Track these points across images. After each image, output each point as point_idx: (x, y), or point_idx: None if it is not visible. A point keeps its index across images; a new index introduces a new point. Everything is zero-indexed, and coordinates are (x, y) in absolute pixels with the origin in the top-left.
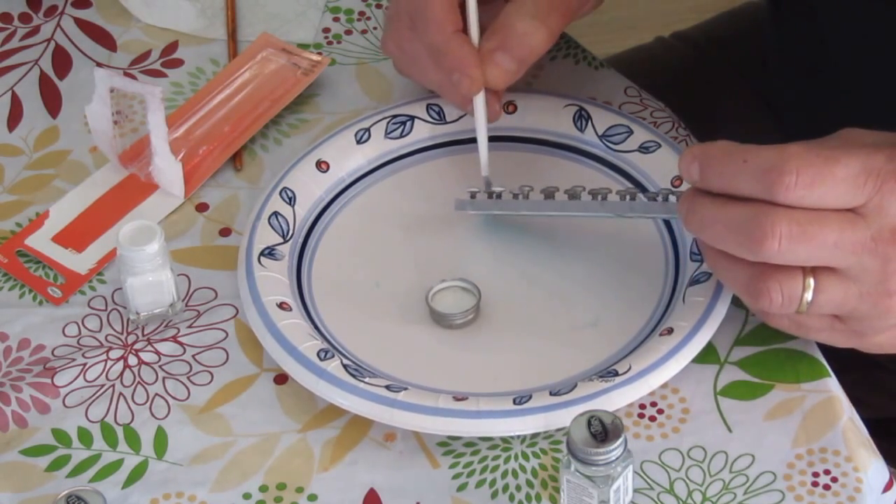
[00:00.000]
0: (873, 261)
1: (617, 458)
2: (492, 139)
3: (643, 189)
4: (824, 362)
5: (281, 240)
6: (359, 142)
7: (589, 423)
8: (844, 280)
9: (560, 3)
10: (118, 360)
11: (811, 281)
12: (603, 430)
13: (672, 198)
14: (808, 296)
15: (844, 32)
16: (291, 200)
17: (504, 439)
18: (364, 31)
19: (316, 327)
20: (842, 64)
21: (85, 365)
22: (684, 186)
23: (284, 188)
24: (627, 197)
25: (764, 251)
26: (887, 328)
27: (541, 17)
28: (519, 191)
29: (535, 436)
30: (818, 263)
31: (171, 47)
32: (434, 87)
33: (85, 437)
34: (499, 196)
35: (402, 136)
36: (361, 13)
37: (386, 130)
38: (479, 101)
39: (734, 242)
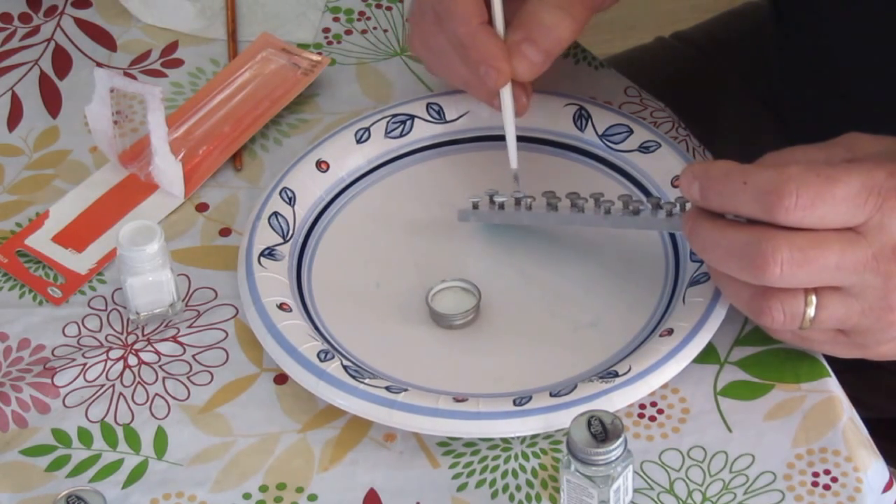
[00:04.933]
0: (875, 278)
1: (617, 458)
2: (492, 138)
3: (644, 190)
4: (824, 362)
5: (281, 240)
6: (359, 141)
7: (589, 424)
8: (846, 297)
9: None
10: (118, 360)
11: (813, 298)
12: (603, 431)
13: (676, 210)
14: (811, 312)
15: (846, 33)
16: (291, 200)
17: (504, 439)
18: (364, 31)
19: (316, 328)
20: (843, 64)
21: (85, 365)
22: None
23: (284, 188)
24: (631, 208)
25: (766, 277)
26: (890, 340)
27: (566, 7)
28: (522, 199)
29: (535, 436)
30: (820, 284)
31: (171, 47)
32: (460, 83)
33: (85, 437)
34: (501, 206)
35: (402, 135)
36: (361, 13)
37: (386, 130)
38: (507, 93)
39: (736, 267)
